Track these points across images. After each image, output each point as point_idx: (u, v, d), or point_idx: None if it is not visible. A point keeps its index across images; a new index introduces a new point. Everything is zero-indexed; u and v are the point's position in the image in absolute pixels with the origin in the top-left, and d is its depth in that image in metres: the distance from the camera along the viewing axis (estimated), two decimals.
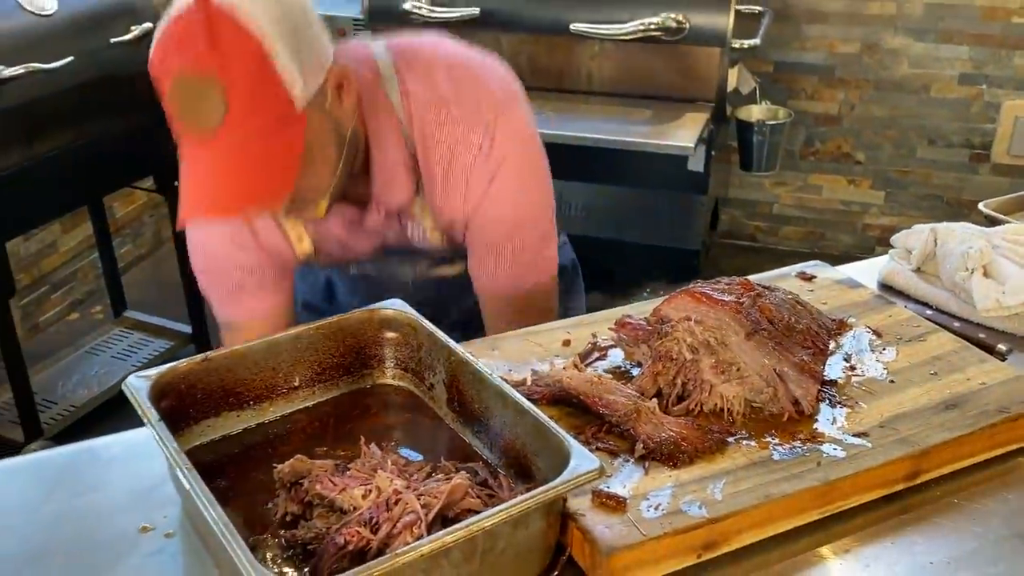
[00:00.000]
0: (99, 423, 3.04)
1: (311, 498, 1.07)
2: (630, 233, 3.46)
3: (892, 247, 1.72)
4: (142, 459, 1.19)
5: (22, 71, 2.54)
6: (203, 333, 3.36)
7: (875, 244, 4.28)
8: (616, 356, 1.34)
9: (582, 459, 1.00)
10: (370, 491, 1.05)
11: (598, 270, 2.32)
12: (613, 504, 1.06)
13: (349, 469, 1.10)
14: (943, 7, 3.86)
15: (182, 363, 1.18)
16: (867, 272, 1.67)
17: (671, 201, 3.41)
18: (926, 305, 1.55)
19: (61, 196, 2.93)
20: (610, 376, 1.29)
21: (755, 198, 4.35)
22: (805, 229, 4.38)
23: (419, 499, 1.00)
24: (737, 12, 3.27)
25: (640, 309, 1.39)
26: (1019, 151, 3.98)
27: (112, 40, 2.82)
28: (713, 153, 3.30)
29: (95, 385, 3.19)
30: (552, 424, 1.06)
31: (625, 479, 1.11)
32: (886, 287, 1.63)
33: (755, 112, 3.59)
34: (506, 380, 1.15)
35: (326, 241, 1.56)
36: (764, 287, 1.31)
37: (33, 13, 2.66)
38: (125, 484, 1.19)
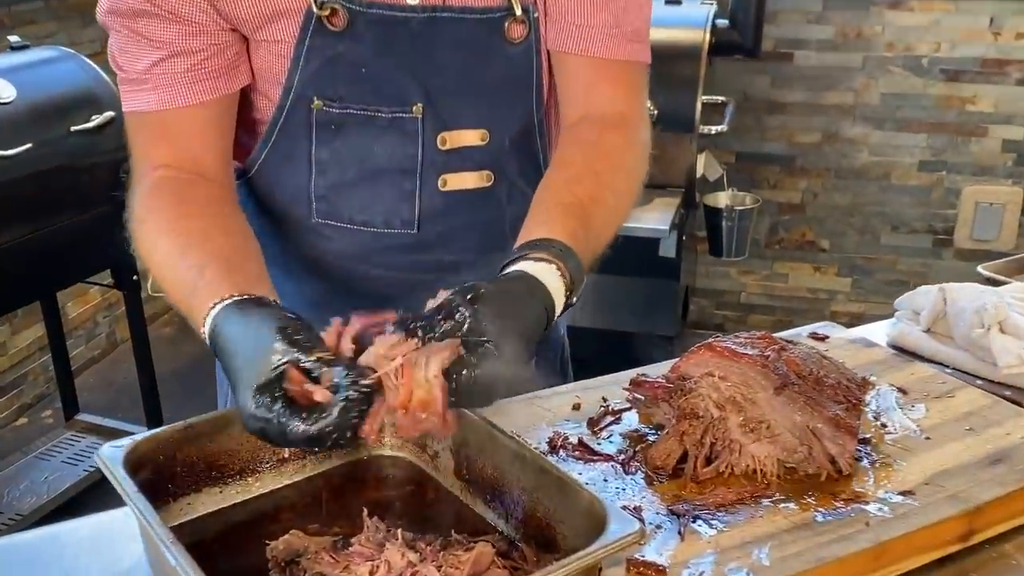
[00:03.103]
0: None
1: None
2: (603, 320, 3.39)
3: (896, 310, 1.66)
4: (113, 542, 1.06)
5: None
6: None
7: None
8: (631, 419, 1.24)
9: (621, 521, 0.90)
10: (378, 567, 0.93)
11: (572, 357, 2.23)
12: (653, 573, 0.95)
13: (351, 544, 0.98)
14: (899, 96, 3.94)
15: (162, 431, 1.06)
16: (873, 336, 1.61)
17: (644, 288, 3.36)
18: (943, 365, 1.48)
19: (13, 292, 2.79)
20: (628, 440, 1.19)
21: (723, 287, 4.33)
22: (773, 317, 4.36)
23: (439, 571, 0.88)
24: (702, 103, 3.29)
25: (652, 371, 1.30)
26: (981, 235, 4.02)
27: (73, 128, 2.73)
28: (684, 239, 3.27)
29: (44, 492, 2.99)
30: (580, 483, 0.96)
31: (661, 545, 1.00)
32: (897, 349, 1.56)
33: (723, 198, 3.59)
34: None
35: None
36: (787, 341, 1.23)
37: None
38: (96, 571, 1.05)
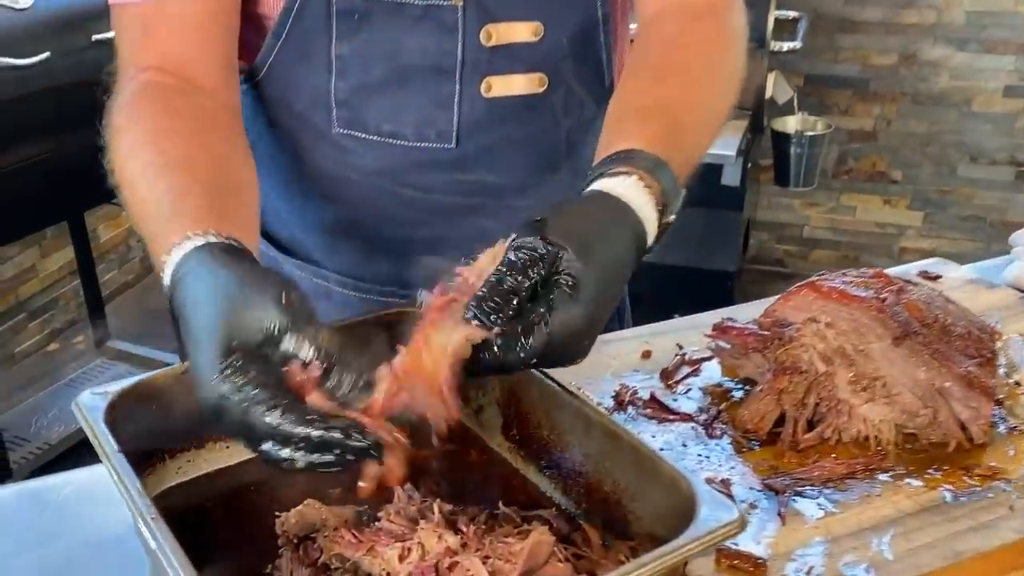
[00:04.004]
0: (75, 464, 2.73)
1: (327, 559, 0.78)
2: (655, 253, 3.16)
3: (1011, 246, 1.43)
4: (104, 504, 0.90)
5: None
6: None
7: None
8: (712, 371, 1.05)
9: (714, 506, 0.71)
10: (409, 550, 0.76)
11: None
12: (750, 568, 0.76)
13: (378, 519, 0.80)
14: (987, 15, 3.62)
15: (155, 375, 0.89)
16: (987, 275, 1.38)
17: (704, 219, 3.13)
18: None
19: (36, 212, 2.64)
20: (709, 397, 1.00)
21: (785, 220, 4.08)
22: (837, 253, 4.11)
23: (485, 563, 0.70)
24: (774, 17, 3.02)
25: (729, 313, 1.10)
26: None
27: (95, 38, 2.55)
28: (749, 166, 3.03)
29: (72, 421, 2.86)
30: (660, 455, 0.77)
31: (757, 531, 0.81)
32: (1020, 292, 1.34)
33: (792, 123, 3.33)
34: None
35: None
36: (906, 281, 1.02)
37: (5, 7, 2.39)
38: (80, 537, 0.89)
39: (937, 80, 3.77)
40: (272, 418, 0.66)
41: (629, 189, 0.81)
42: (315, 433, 0.66)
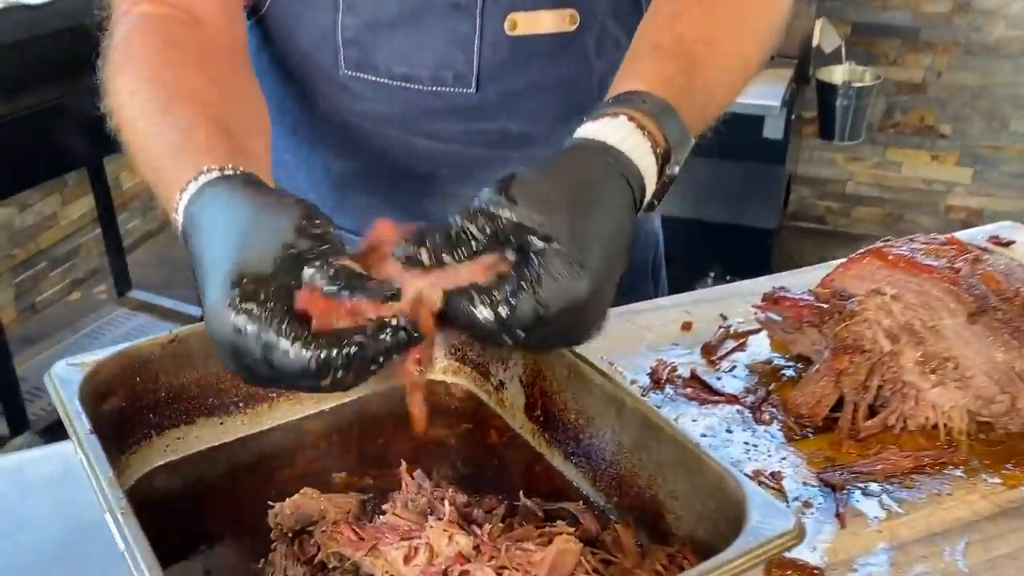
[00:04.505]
0: None
1: (324, 558, 0.69)
2: (691, 209, 3.04)
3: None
4: (80, 488, 0.81)
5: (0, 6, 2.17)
6: None
7: (960, 228, 3.84)
8: (759, 345, 0.94)
9: (768, 512, 0.61)
10: (416, 550, 0.67)
11: None
12: None
13: (383, 512, 0.71)
14: None
15: (139, 344, 0.80)
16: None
17: (744, 174, 3.00)
18: None
19: (53, 158, 2.57)
20: (756, 376, 0.90)
21: (827, 175, 3.92)
22: (881, 210, 3.95)
23: (500, 575, 0.61)
24: None
25: (781, 281, 0.99)
26: None
27: None
28: (793, 118, 2.89)
29: None
30: (708, 451, 0.67)
31: (812, 535, 0.71)
32: None
33: (839, 73, 3.17)
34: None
35: None
36: (980, 248, 0.91)
37: None
38: (57, 525, 0.81)
39: (992, 29, 3.57)
40: (301, 350, 0.58)
41: (618, 131, 0.69)
42: (352, 350, 0.58)
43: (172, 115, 0.79)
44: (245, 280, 0.59)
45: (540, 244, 0.60)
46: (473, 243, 0.61)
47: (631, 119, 0.70)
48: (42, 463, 0.89)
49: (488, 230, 0.61)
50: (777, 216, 3.07)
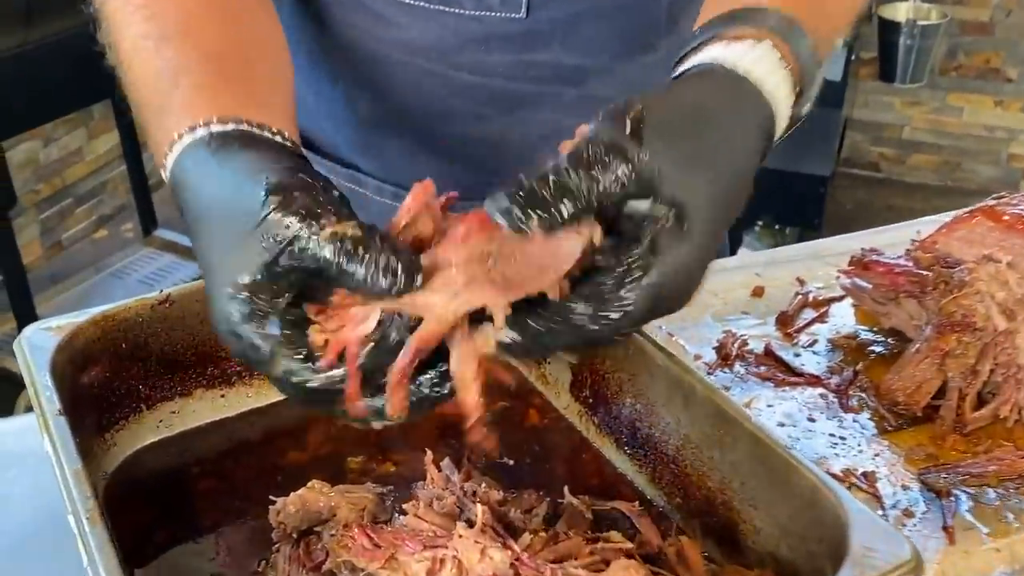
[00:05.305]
0: None
1: (334, 568, 0.58)
2: None
3: None
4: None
5: None
6: None
7: (1021, 178, 3.66)
8: (842, 315, 0.81)
9: (873, 533, 0.49)
10: (442, 563, 0.56)
11: None
12: None
13: (404, 513, 0.60)
14: None
15: (124, 305, 0.69)
16: None
17: None
18: None
19: (72, 89, 2.46)
20: (841, 353, 0.77)
21: (883, 120, 3.72)
22: (938, 158, 3.76)
23: None
24: None
25: (866, 240, 0.86)
26: None
27: None
28: (853, 58, 2.71)
29: None
30: (799, 456, 0.55)
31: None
32: None
33: (903, 10, 2.97)
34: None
35: None
36: None
37: None
38: (30, 504, 0.71)
39: None
40: (304, 372, 0.50)
41: (759, 62, 0.56)
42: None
43: (164, 53, 0.66)
44: (242, 289, 0.50)
45: (664, 211, 0.47)
46: (575, 203, 0.47)
47: (774, 46, 0.56)
48: (8, 436, 0.78)
49: (599, 183, 0.47)
50: (831, 162, 2.91)
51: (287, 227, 0.49)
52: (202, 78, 0.63)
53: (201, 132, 0.56)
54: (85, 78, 2.47)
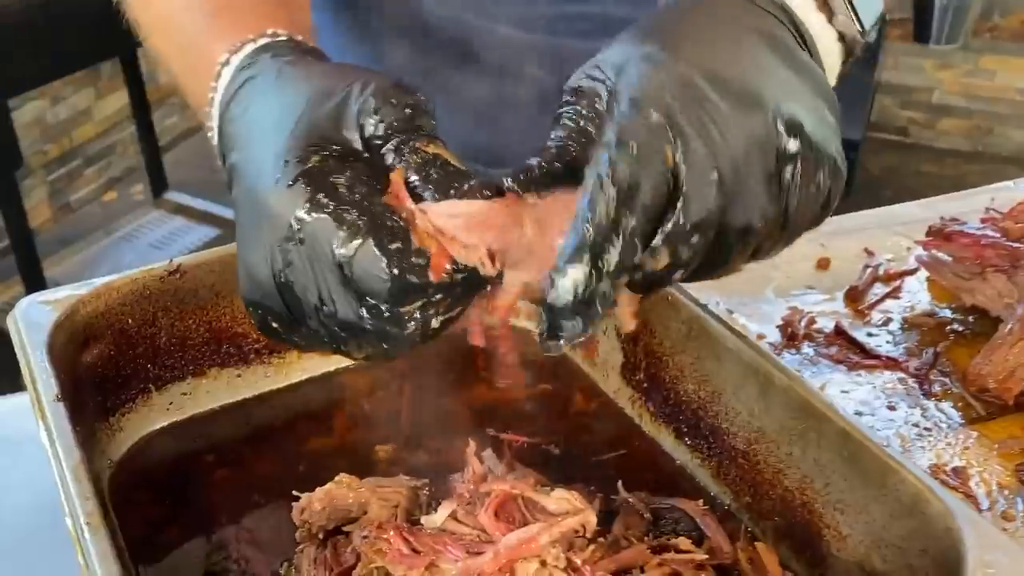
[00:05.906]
0: None
1: (365, 574, 0.52)
2: None
3: None
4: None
5: None
6: None
7: None
8: (916, 291, 0.74)
9: (989, 548, 0.42)
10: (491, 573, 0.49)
11: None
12: None
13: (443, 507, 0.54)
14: None
15: (131, 276, 0.62)
16: None
17: None
18: None
19: (80, 46, 2.39)
20: (917, 333, 0.70)
21: (913, 83, 3.61)
22: (969, 122, 3.65)
23: None
24: None
25: (940, 207, 0.78)
26: None
27: None
28: (888, 18, 2.60)
29: None
30: (900, 458, 0.48)
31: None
32: None
33: None
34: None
35: None
36: None
37: None
38: (28, 488, 0.65)
39: None
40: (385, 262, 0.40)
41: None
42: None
43: None
44: (313, 157, 0.43)
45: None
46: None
47: None
48: (20, 415, 0.72)
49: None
50: (862, 127, 2.81)
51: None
52: (240, 9, 0.57)
53: (255, 43, 0.51)
54: (94, 34, 2.41)
